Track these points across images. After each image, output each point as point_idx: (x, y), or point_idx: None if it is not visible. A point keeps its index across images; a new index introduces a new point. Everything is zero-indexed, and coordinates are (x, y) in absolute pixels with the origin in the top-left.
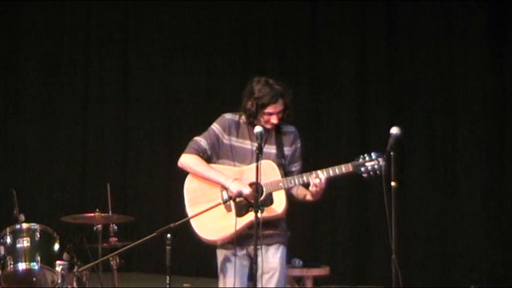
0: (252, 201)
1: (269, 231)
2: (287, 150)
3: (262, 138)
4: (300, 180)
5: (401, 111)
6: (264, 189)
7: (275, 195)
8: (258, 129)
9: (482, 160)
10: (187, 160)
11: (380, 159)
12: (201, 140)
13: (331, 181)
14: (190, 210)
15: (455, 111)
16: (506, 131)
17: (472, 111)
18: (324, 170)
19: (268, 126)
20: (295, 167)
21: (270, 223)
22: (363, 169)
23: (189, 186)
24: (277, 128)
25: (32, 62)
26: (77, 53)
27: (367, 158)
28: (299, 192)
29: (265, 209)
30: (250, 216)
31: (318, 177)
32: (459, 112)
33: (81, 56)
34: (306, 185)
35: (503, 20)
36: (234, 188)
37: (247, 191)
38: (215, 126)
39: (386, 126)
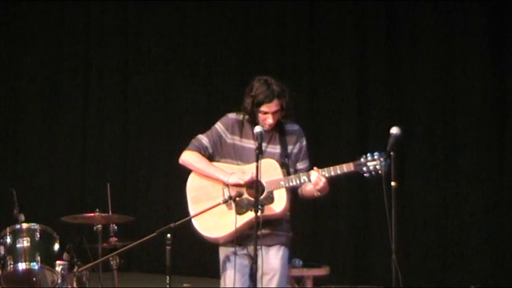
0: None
1: (270, 231)
2: (291, 149)
3: (263, 138)
4: (301, 179)
5: (401, 111)
6: (265, 186)
7: (276, 194)
8: (257, 129)
9: (482, 160)
10: (187, 157)
11: (382, 159)
12: (203, 138)
13: (331, 181)
14: (192, 209)
15: (455, 111)
16: (506, 131)
17: (472, 111)
18: (326, 169)
19: (266, 127)
20: (303, 165)
21: (271, 223)
22: (364, 169)
23: (192, 184)
24: (281, 127)
25: (32, 61)
26: (77, 53)
27: (369, 158)
28: (308, 189)
29: (265, 207)
30: (250, 215)
31: (320, 180)
32: (459, 112)
33: (81, 56)
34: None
35: (503, 20)
36: (233, 180)
37: (246, 177)
38: (218, 125)
39: (387, 126)
